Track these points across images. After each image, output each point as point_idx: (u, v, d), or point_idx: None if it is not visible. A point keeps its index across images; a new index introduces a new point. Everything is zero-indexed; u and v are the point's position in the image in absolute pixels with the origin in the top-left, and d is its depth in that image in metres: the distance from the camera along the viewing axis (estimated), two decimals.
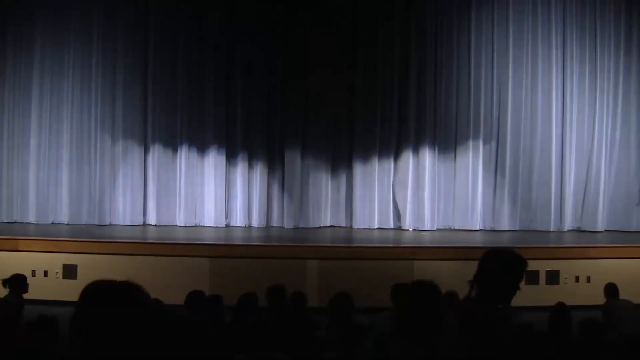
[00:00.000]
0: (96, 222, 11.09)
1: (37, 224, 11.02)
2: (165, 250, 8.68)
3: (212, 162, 11.45)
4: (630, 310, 6.56)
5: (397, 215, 11.47)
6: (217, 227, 11.28)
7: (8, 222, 11.01)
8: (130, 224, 11.17)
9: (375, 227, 11.40)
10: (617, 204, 11.23)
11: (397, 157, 11.52)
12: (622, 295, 6.85)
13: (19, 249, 8.59)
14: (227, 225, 11.41)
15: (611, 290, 6.76)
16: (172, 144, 11.46)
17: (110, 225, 11.09)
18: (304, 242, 9.89)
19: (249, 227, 11.37)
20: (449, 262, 8.60)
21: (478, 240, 10.22)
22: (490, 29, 11.45)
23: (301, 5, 11.29)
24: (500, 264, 3.00)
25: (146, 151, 11.44)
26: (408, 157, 11.46)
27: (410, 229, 11.24)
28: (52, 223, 11.16)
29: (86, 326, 1.95)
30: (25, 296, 6.43)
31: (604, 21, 11.36)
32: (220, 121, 11.49)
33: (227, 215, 11.49)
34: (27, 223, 11.04)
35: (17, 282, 6.31)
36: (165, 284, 7.49)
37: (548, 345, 4.38)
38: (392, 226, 11.39)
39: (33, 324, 3.95)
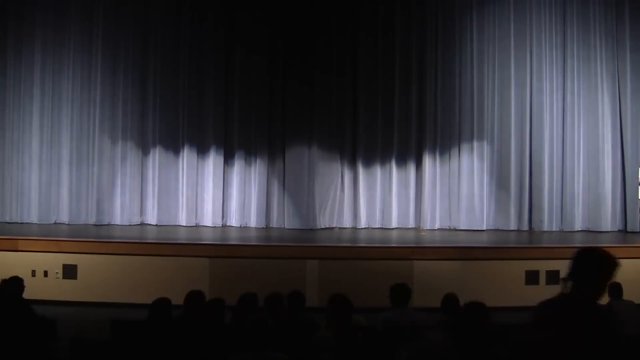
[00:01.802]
0: (97, 222, 11.10)
1: (40, 224, 11.02)
2: (165, 250, 8.67)
3: (214, 162, 11.45)
4: (632, 311, 6.50)
5: (399, 215, 11.46)
6: (217, 227, 11.29)
7: (10, 222, 11.01)
8: (131, 224, 11.19)
9: (377, 227, 11.42)
10: (622, 204, 11.22)
11: (399, 157, 11.50)
12: (623, 295, 6.81)
13: (19, 249, 8.58)
14: (227, 226, 11.43)
15: (615, 289, 6.69)
16: (173, 144, 11.46)
17: (110, 225, 11.10)
18: (304, 242, 9.88)
19: (248, 227, 11.36)
20: (449, 262, 8.60)
21: (478, 240, 10.21)
22: (492, 28, 11.45)
23: (302, 6, 11.28)
24: (593, 261, 3.17)
25: (147, 151, 11.44)
26: (411, 157, 11.47)
27: (414, 229, 11.27)
28: (55, 223, 11.16)
29: None
30: (25, 296, 6.41)
31: (606, 20, 11.35)
32: (220, 121, 11.49)
33: (227, 216, 11.51)
34: (29, 223, 11.05)
35: (13, 284, 6.29)
36: (165, 284, 7.49)
37: None
38: (394, 226, 11.39)
39: (32, 324, 3.94)
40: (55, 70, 11.29)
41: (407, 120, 11.48)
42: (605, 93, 11.34)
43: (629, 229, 11.08)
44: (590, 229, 11.19)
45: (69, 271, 8.38)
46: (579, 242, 10.31)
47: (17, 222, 11.05)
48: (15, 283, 6.28)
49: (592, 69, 11.35)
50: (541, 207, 11.24)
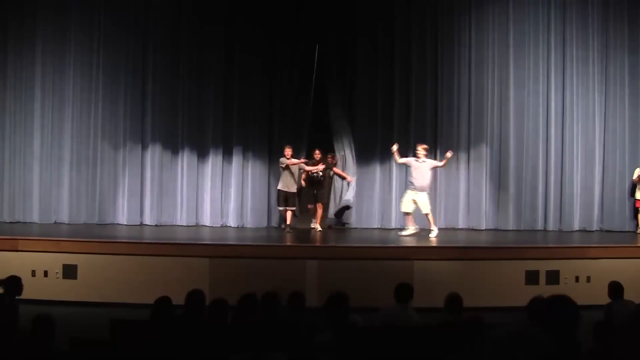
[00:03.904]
0: (97, 222, 11.11)
1: (41, 223, 11.02)
2: (165, 250, 8.66)
3: (213, 163, 11.47)
4: (632, 311, 6.48)
5: (399, 216, 11.44)
6: (216, 227, 11.30)
7: (11, 222, 11.01)
8: (130, 224, 11.19)
9: (376, 226, 11.42)
10: (622, 205, 11.22)
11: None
12: (624, 295, 6.79)
13: (19, 249, 8.58)
14: (227, 226, 11.43)
15: (615, 289, 6.68)
16: (172, 145, 11.47)
17: (110, 225, 11.11)
18: (303, 242, 9.88)
19: (248, 228, 11.37)
20: (449, 262, 8.60)
21: (478, 240, 10.21)
22: (491, 30, 11.47)
23: (300, 7, 11.27)
24: None
25: (147, 152, 11.44)
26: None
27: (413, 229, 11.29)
28: (55, 223, 11.16)
29: None
30: (25, 296, 6.41)
31: (605, 21, 11.35)
32: (220, 122, 11.50)
33: (227, 216, 11.51)
34: (30, 223, 11.05)
35: (11, 284, 6.28)
36: (165, 284, 7.49)
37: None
38: (393, 226, 11.38)
39: (31, 324, 3.94)
40: (56, 71, 11.29)
41: (406, 121, 11.50)
42: (603, 95, 11.34)
43: (627, 229, 11.09)
44: (587, 229, 11.22)
45: (69, 271, 8.38)
46: (578, 242, 10.32)
47: (18, 222, 11.05)
48: (13, 283, 6.27)
49: (590, 71, 11.35)
50: (539, 207, 11.26)
